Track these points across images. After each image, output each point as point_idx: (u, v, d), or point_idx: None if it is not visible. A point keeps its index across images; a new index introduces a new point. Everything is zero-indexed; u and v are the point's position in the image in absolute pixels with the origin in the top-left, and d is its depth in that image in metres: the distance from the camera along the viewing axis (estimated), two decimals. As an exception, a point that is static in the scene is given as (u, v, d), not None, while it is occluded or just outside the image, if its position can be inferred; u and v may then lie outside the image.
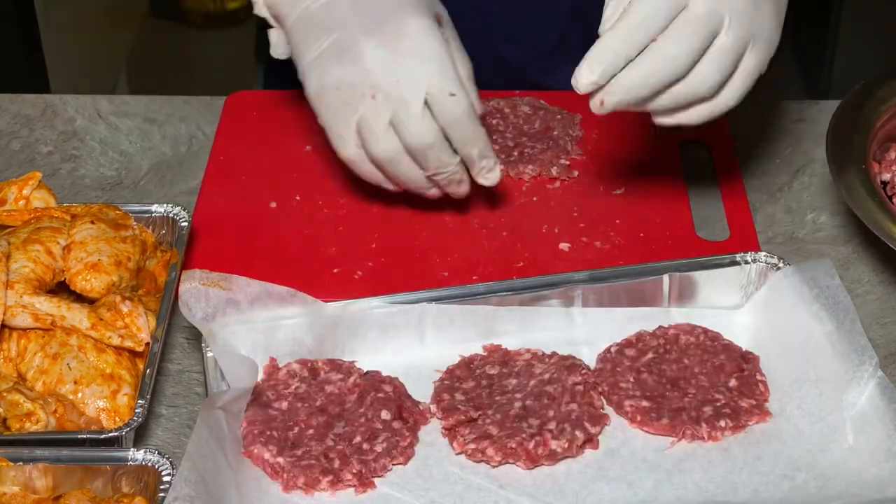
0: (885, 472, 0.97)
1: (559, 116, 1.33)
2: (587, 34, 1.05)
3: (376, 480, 0.99)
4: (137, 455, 0.95)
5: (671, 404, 1.03)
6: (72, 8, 2.96)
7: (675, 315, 1.11)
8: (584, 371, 1.06)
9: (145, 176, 1.32)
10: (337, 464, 0.99)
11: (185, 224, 1.15)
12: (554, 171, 1.27)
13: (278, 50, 1.17)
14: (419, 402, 1.05)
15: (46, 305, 1.03)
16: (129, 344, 1.03)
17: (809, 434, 1.02)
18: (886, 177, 1.19)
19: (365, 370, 1.07)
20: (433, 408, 1.04)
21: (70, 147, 1.36)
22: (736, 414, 1.03)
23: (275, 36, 1.16)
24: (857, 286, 1.18)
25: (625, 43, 0.99)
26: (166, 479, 0.94)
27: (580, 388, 1.04)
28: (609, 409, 1.05)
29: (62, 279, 1.07)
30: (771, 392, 1.05)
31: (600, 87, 0.99)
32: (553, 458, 1.00)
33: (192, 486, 0.91)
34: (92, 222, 1.09)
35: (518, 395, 1.04)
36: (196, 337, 1.10)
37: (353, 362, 1.07)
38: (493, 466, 1.00)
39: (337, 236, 1.21)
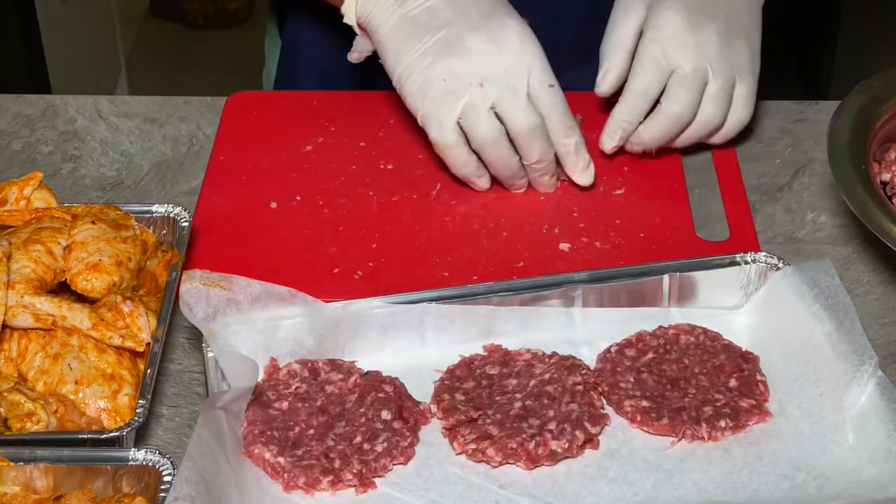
0: (885, 472, 0.97)
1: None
2: (600, 36, 1.26)
3: (377, 480, 0.99)
4: (138, 455, 0.95)
5: (671, 404, 1.03)
6: (72, 8, 2.96)
7: (675, 315, 1.11)
8: (584, 371, 1.06)
9: (146, 176, 1.32)
10: (337, 464, 0.99)
11: (186, 224, 1.15)
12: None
13: (360, 55, 1.24)
14: (419, 402, 1.05)
15: (47, 305, 1.03)
16: (129, 344, 1.03)
17: (809, 434, 1.02)
18: (886, 177, 1.19)
19: (365, 370, 1.07)
20: (433, 408, 1.04)
21: (71, 147, 1.36)
22: (736, 414, 1.03)
23: (360, 43, 1.23)
24: (857, 286, 1.18)
25: (631, 114, 1.23)
26: (167, 479, 0.94)
27: (580, 388, 1.04)
28: (609, 409, 1.05)
29: (63, 279, 1.07)
30: (771, 392, 1.05)
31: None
32: (553, 458, 1.00)
33: (193, 486, 0.91)
34: (93, 222, 1.10)
35: (518, 396, 1.04)
36: (197, 337, 1.10)
37: (353, 362, 1.07)
38: (494, 466, 1.00)
39: (337, 236, 1.21)
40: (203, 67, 3.46)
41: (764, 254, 1.11)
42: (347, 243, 1.20)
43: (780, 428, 1.03)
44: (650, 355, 1.07)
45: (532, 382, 1.05)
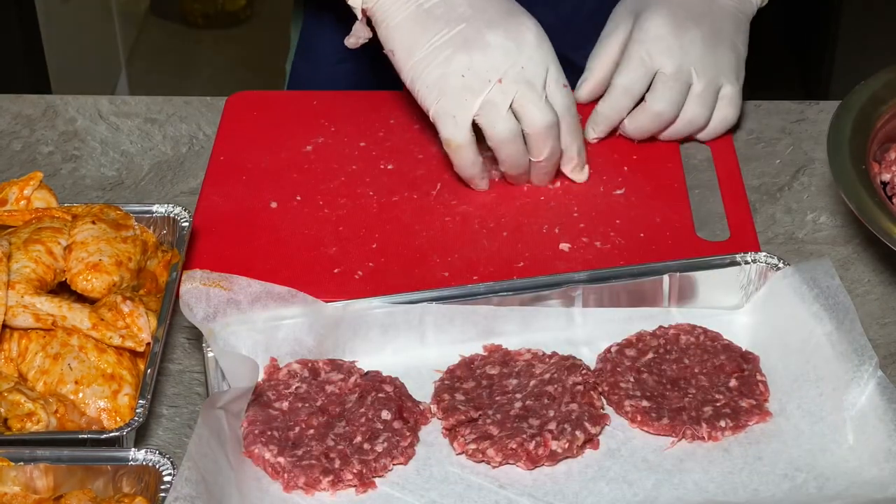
0: (885, 472, 0.97)
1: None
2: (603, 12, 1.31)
3: (377, 480, 0.99)
4: (138, 455, 0.95)
5: (671, 404, 1.03)
6: (72, 8, 2.96)
7: (675, 315, 1.11)
8: (584, 371, 1.06)
9: (146, 176, 1.32)
10: (337, 464, 0.99)
11: (186, 224, 1.15)
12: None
13: (357, 40, 1.22)
14: (420, 402, 1.05)
15: (47, 305, 1.03)
16: (129, 344, 1.03)
17: (809, 434, 1.02)
18: (886, 177, 1.19)
19: (365, 370, 1.07)
20: (433, 408, 1.04)
21: (71, 147, 1.36)
22: (736, 414, 1.03)
23: (359, 28, 1.22)
24: (857, 286, 1.18)
25: (613, 108, 1.27)
26: (167, 479, 0.94)
27: (580, 388, 1.04)
28: (609, 409, 1.05)
29: (63, 279, 1.07)
30: (771, 392, 1.05)
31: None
32: (553, 458, 1.00)
33: (193, 486, 0.91)
34: (93, 222, 1.10)
35: (518, 396, 1.04)
36: (197, 337, 1.10)
37: (353, 362, 1.07)
38: (494, 467, 1.00)
39: (337, 236, 1.21)
40: (203, 67, 3.46)
41: (764, 254, 1.11)
42: (347, 243, 1.20)
43: (781, 428, 1.03)
44: (650, 355, 1.07)
45: (532, 382, 1.05)
